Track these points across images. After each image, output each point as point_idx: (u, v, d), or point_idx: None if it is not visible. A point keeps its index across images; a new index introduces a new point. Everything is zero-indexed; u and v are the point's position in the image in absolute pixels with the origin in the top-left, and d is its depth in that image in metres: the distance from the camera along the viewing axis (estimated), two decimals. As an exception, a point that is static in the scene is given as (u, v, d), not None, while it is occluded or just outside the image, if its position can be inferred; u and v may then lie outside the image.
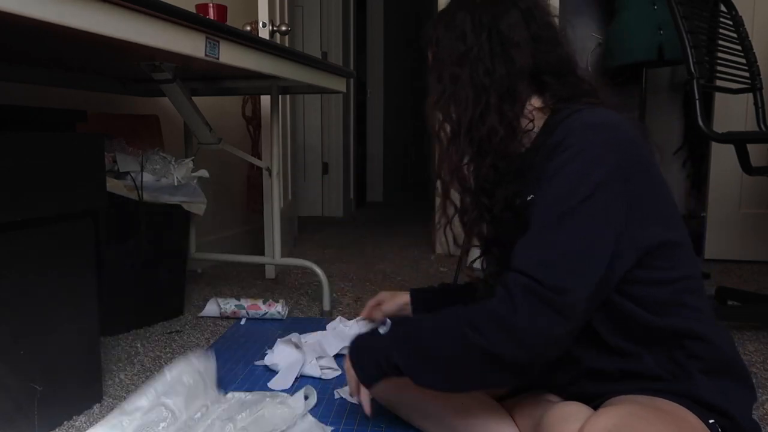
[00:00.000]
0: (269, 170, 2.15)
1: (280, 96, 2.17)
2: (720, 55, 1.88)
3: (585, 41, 3.53)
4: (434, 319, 0.86)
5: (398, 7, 5.65)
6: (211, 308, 1.84)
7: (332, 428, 1.11)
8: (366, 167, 5.45)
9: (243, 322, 1.79)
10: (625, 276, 0.83)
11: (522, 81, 0.91)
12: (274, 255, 2.11)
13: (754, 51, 1.96)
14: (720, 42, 1.89)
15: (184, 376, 1.14)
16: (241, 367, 1.42)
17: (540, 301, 0.76)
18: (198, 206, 1.84)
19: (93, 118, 1.76)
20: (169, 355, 1.52)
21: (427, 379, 0.87)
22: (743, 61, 1.94)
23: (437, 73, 0.96)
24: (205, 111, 1.86)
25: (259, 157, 2.60)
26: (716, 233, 2.74)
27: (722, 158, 2.66)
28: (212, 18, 1.72)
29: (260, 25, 2.19)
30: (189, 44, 1.22)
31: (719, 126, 2.35)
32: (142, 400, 1.10)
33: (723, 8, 1.96)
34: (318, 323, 1.74)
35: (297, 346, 1.42)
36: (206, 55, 1.28)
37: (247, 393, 1.22)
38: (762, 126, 1.96)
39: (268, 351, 1.43)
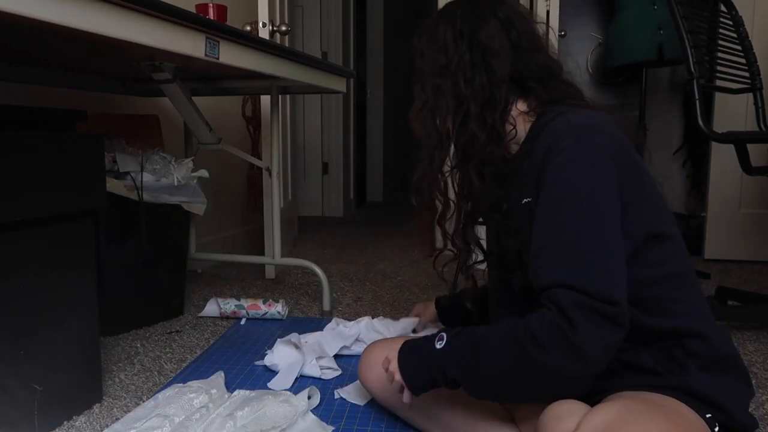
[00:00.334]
0: (269, 170, 2.15)
1: (280, 96, 2.17)
2: (720, 55, 1.88)
3: (585, 41, 3.53)
4: (492, 333, 0.84)
5: (398, 7, 5.65)
6: (211, 308, 1.84)
7: (332, 428, 1.11)
8: (366, 167, 5.45)
9: (243, 322, 1.79)
10: None
11: (502, 89, 0.93)
12: (274, 255, 2.11)
13: (754, 51, 1.96)
14: (720, 42, 1.89)
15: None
16: (241, 367, 1.42)
17: (597, 315, 0.75)
18: (198, 206, 1.84)
19: (93, 118, 1.76)
20: (169, 355, 1.52)
21: (484, 393, 0.87)
22: (743, 61, 1.94)
23: (421, 84, 0.99)
24: (205, 111, 1.86)
25: (259, 157, 2.60)
26: (716, 233, 2.74)
27: (722, 158, 2.66)
28: (212, 18, 1.72)
29: (260, 25, 2.19)
30: (189, 44, 1.22)
31: (719, 126, 2.35)
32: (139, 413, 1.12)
33: (723, 8, 1.96)
34: (318, 323, 1.75)
35: (296, 347, 1.42)
36: (206, 55, 1.28)
37: (251, 391, 1.22)
38: (762, 126, 1.96)
39: (268, 351, 1.43)
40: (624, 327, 0.77)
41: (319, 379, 1.34)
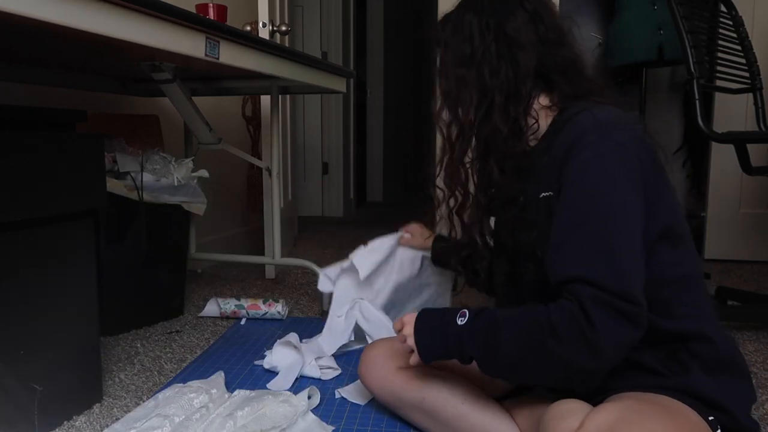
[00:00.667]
0: (269, 170, 2.15)
1: (280, 96, 2.17)
2: (720, 55, 1.88)
3: (585, 41, 3.53)
4: (514, 318, 0.84)
5: (398, 7, 5.65)
6: (211, 308, 1.84)
7: (332, 428, 1.11)
8: (366, 167, 5.44)
9: (243, 322, 1.79)
10: None
11: (527, 82, 0.92)
12: (274, 255, 2.11)
13: (754, 51, 1.96)
14: (720, 42, 1.89)
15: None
16: (241, 367, 1.42)
17: (615, 312, 0.75)
18: (198, 206, 1.84)
19: (93, 118, 1.76)
20: (169, 355, 1.52)
21: (498, 373, 0.88)
22: (743, 61, 1.94)
23: (444, 74, 0.98)
24: (205, 111, 1.86)
25: (259, 157, 2.60)
26: (716, 233, 2.74)
27: (722, 158, 2.66)
28: (212, 18, 1.72)
29: (260, 25, 2.19)
30: (189, 44, 1.22)
31: (719, 126, 2.35)
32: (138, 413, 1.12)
33: (723, 8, 1.96)
34: (318, 323, 1.75)
35: (295, 347, 1.41)
36: (206, 55, 1.28)
37: (251, 391, 1.22)
38: (762, 126, 1.96)
39: (267, 353, 1.43)
40: (641, 326, 0.77)
41: (319, 379, 1.34)
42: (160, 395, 1.18)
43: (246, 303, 1.81)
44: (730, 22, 1.95)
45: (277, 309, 1.79)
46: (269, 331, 1.69)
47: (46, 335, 1.08)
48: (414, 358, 0.96)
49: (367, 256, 1.48)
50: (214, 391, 1.19)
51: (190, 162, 1.83)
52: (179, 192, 1.77)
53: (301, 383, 1.32)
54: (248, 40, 1.46)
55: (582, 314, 0.76)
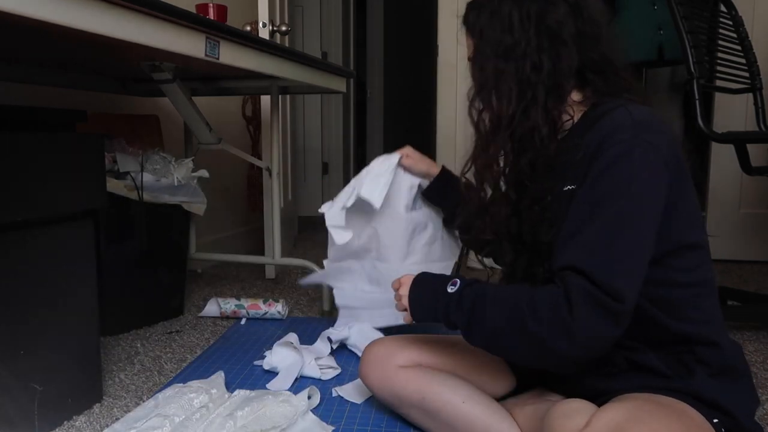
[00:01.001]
0: (269, 170, 2.15)
1: (280, 96, 2.17)
2: (720, 55, 1.88)
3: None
4: (501, 293, 0.87)
5: (398, 7, 5.65)
6: (211, 308, 1.84)
7: (332, 428, 1.11)
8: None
9: (243, 322, 1.79)
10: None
11: (569, 78, 0.89)
12: (274, 255, 2.11)
13: (754, 51, 1.96)
14: (720, 42, 1.89)
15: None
16: (241, 367, 1.42)
17: (598, 306, 0.76)
18: (198, 206, 1.84)
19: (93, 118, 1.76)
20: (169, 355, 1.52)
21: (478, 343, 0.90)
22: (743, 61, 1.94)
23: (480, 65, 0.94)
24: (205, 111, 1.86)
25: (259, 157, 2.60)
26: (716, 233, 2.74)
27: (722, 158, 2.66)
28: (212, 18, 1.72)
29: (260, 25, 2.19)
30: (189, 44, 1.22)
31: (719, 126, 2.35)
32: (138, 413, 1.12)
33: (723, 8, 1.96)
34: (318, 323, 1.75)
35: (295, 348, 1.41)
36: (206, 55, 1.28)
37: (251, 391, 1.22)
38: (762, 126, 1.96)
39: (267, 353, 1.43)
40: (621, 327, 0.78)
41: (319, 379, 1.34)
42: (160, 395, 1.18)
43: (246, 303, 1.81)
44: (730, 22, 1.95)
45: (277, 309, 1.79)
46: (269, 331, 1.69)
47: (46, 335, 1.08)
48: (407, 317, 1.01)
49: (373, 183, 1.36)
50: (214, 391, 1.19)
51: (190, 162, 1.83)
52: (179, 192, 1.77)
53: (301, 383, 1.32)
54: (248, 40, 1.46)
55: (566, 301, 0.77)
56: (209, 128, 1.85)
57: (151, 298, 1.76)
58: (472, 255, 2.19)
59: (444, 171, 1.38)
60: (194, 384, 1.22)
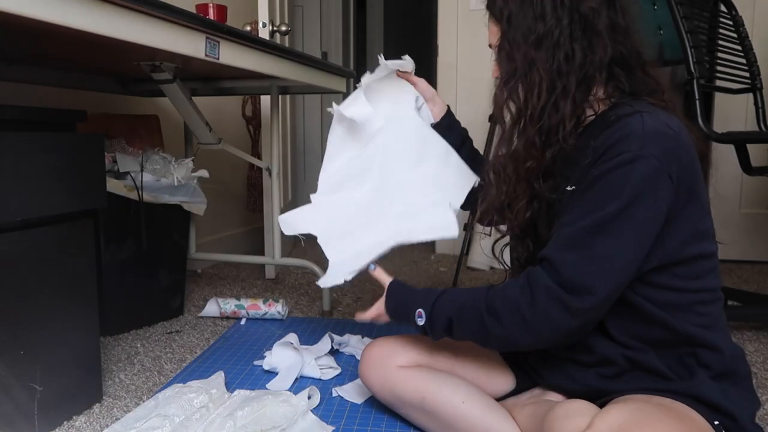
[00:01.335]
0: (269, 170, 2.15)
1: (280, 96, 2.17)
2: (720, 55, 1.88)
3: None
4: (465, 314, 0.92)
5: (398, 7, 5.65)
6: (211, 308, 1.84)
7: (332, 428, 1.11)
8: (366, 167, 5.44)
9: (243, 322, 1.79)
10: (644, 278, 0.84)
11: (601, 71, 0.86)
12: (274, 255, 2.11)
13: (754, 51, 1.96)
14: (720, 42, 1.89)
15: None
16: (241, 367, 1.42)
17: (555, 299, 0.80)
18: (198, 206, 1.84)
19: (93, 118, 1.76)
20: (169, 355, 1.52)
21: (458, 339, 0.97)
22: (743, 61, 1.94)
23: (507, 53, 0.90)
24: (205, 111, 1.86)
25: (259, 157, 2.60)
26: (716, 233, 2.73)
27: (722, 158, 2.66)
28: (212, 18, 1.72)
29: (260, 25, 2.19)
30: (189, 44, 1.22)
31: (719, 126, 2.35)
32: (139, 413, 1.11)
33: (723, 8, 1.96)
34: (318, 323, 1.75)
35: (295, 348, 1.41)
36: (206, 55, 1.28)
37: (251, 391, 1.22)
38: (762, 126, 1.96)
39: (267, 354, 1.43)
40: (579, 319, 0.81)
41: (319, 379, 1.34)
42: (160, 395, 1.18)
43: (246, 303, 1.81)
44: (730, 22, 1.95)
45: (277, 309, 1.79)
46: (269, 331, 1.69)
47: (46, 335, 1.08)
48: (378, 316, 1.10)
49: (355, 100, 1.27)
50: (214, 391, 1.19)
51: (190, 162, 1.83)
52: (179, 192, 1.77)
53: (301, 383, 1.32)
54: (248, 40, 1.46)
55: (528, 291, 0.82)
56: (209, 128, 1.85)
57: (151, 298, 1.76)
58: (472, 255, 2.20)
59: (449, 112, 1.29)
60: (194, 384, 1.22)
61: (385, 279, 1.12)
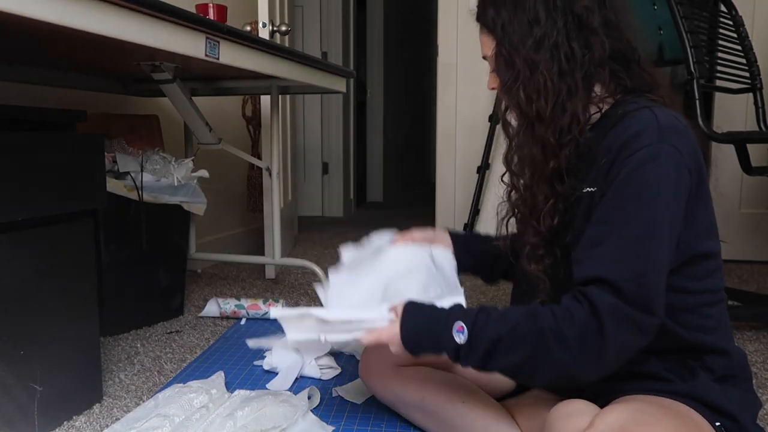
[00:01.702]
0: (269, 170, 2.15)
1: (280, 96, 2.17)
2: (720, 55, 1.88)
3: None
4: (519, 331, 0.80)
5: (398, 7, 5.65)
6: (211, 308, 1.84)
7: (332, 428, 1.11)
8: (366, 167, 5.45)
9: (243, 322, 1.79)
10: None
11: (602, 66, 0.86)
12: (274, 255, 2.11)
13: (754, 51, 1.96)
14: (720, 42, 1.89)
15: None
16: (241, 367, 1.42)
17: (628, 323, 0.75)
18: (198, 206, 1.84)
19: (93, 118, 1.76)
20: (169, 355, 1.52)
21: (497, 373, 0.84)
22: (743, 61, 1.94)
23: (506, 60, 0.89)
24: (205, 111, 1.86)
25: (259, 157, 2.60)
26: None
27: (722, 158, 2.66)
28: (212, 18, 1.72)
29: (260, 25, 2.19)
30: (189, 44, 1.22)
31: (719, 126, 2.34)
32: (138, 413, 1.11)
33: (723, 8, 1.96)
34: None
35: (295, 348, 1.41)
36: (206, 55, 1.28)
37: (251, 391, 1.22)
38: (762, 126, 1.96)
39: (267, 354, 1.43)
40: (650, 338, 0.77)
41: (319, 379, 1.34)
42: (160, 395, 1.18)
43: (246, 303, 1.81)
44: (730, 22, 1.95)
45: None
46: (269, 332, 1.69)
47: (46, 335, 1.08)
48: (380, 338, 0.89)
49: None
50: (214, 391, 1.19)
51: (190, 162, 1.83)
52: (179, 192, 1.77)
53: (301, 383, 1.32)
54: (248, 40, 1.46)
55: (597, 326, 0.75)
56: (209, 128, 1.85)
57: (151, 298, 1.76)
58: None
59: (452, 236, 1.19)
60: (194, 384, 1.22)
61: (392, 312, 0.92)
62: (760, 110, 1.95)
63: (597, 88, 0.89)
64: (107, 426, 1.12)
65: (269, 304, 1.80)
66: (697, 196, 0.82)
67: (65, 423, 1.13)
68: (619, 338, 0.76)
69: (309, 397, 1.20)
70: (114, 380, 1.35)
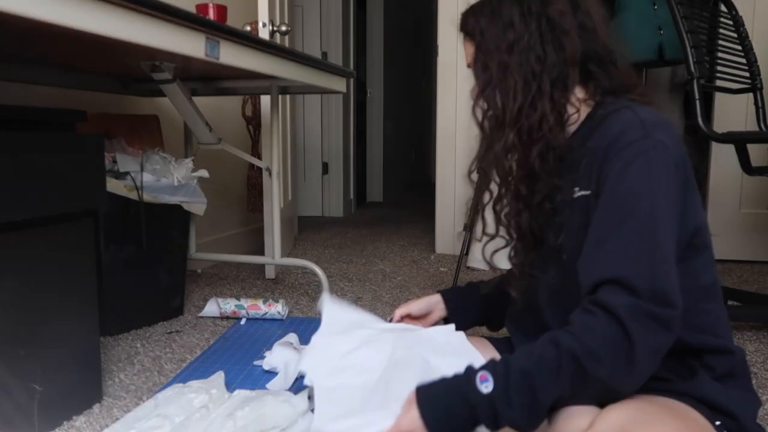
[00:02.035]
0: (269, 170, 2.15)
1: (280, 96, 2.17)
2: (720, 55, 1.88)
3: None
4: (541, 359, 0.76)
5: (398, 7, 5.65)
6: (211, 308, 1.84)
7: (332, 428, 1.11)
8: (366, 167, 5.45)
9: (243, 322, 1.79)
10: None
11: (573, 68, 0.88)
12: (274, 255, 2.11)
13: (754, 51, 1.96)
14: (720, 42, 1.89)
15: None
16: (241, 367, 1.42)
17: (651, 321, 0.73)
18: (198, 206, 1.84)
19: (93, 118, 1.76)
20: (169, 355, 1.52)
21: (538, 421, 0.77)
22: (743, 61, 1.94)
23: (482, 64, 0.93)
24: (205, 111, 1.86)
25: (259, 157, 2.60)
26: (716, 233, 2.73)
27: (722, 158, 2.66)
28: (212, 18, 1.72)
29: (260, 25, 2.19)
30: (189, 44, 1.22)
31: (719, 126, 2.35)
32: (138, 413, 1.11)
33: (723, 8, 1.96)
34: (318, 323, 1.75)
35: (295, 348, 1.41)
36: (206, 55, 1.28)
37: (251, 391, 1.22)
38: (762, 126, 1.96)
39: (267, 354, 1.43)
40: (675, 332, 0.75)
41: (319, 379, 1.34)
42: (160, 395, 1.18)
43: (246, 303, 1.81)
44: (730, 22, 1.96)
45: (277, 309, 1.79)
46: (269, 332, 1.69)
47: (46, 335, 1.08)
48: None
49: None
50: (214, 391, 1.19)
51: (190, 162, 1.83)
52: (179, 192, 1.77)
53: (300, 383, 1.31)
54: (248, 40, 1.46)
55: (620, 330, 0.73)
56: (209, 128, 1.85)
57: (151, 298, 1.76)
58: (472, 255, 2.18)
59: (444, 295, 1.19)
60: (194, 384, 1.22)
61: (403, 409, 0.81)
62: (760, 110, 1.95)
63: (577, 91, 0.91)
64: (107, 426, 1.12)
65: (269, 304, 1.80)
66: (685, 189, 0.83)
67: (65, 423, 1.13)
68: (646, 338, 0.73)
69: (309, 398, 1.20)
70: (114, 380, 1.35)
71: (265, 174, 2.32)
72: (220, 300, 1.84)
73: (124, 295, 1.68)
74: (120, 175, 1.63)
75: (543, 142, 0.89)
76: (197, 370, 1.39)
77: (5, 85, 1.64)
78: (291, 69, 1.69)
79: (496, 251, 1.03)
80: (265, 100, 2.42)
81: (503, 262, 1.05)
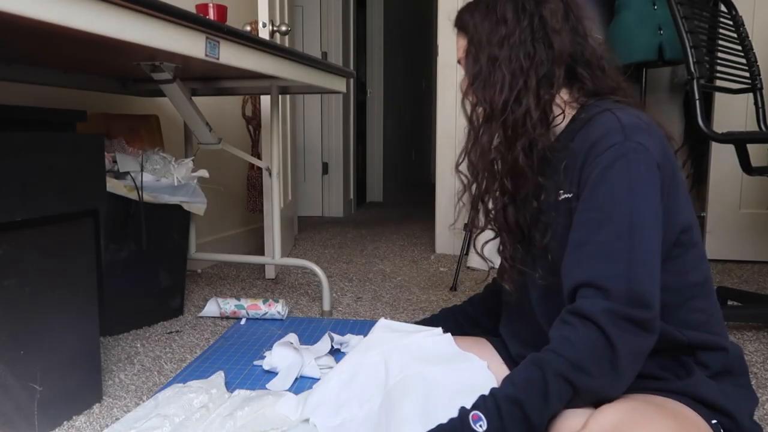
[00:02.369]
0: (269, 170, 2.15)
1: (280, 96, 2.17)
2: (720, 55, 1.88)
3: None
4: (518, 376, 0.77)
5: (398, 7, 5.65)
6: (211, 308, 1.84)
7: (332, 428, 1.11)
8: (366, 167, 5.45)
9: (243, 322, 1.79)
10: None
11: (560, 67, 0.90)
12: (274, 255, 2.11)
13: (754, 51, 1.96)
14: (720, 42, 1.89)
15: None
16: (241, 367, 1.42)
17: (629, 324, 0.74)
18: (198, 206, 1.84)
19: (93, 118, 1.76)
20: (169, 355, 1.52)
21: None
22: (743, 61, 1.94)
23: (473, 57, 0.95)
24: (205, 111, 1.86)
25: (259, 157, 2.60)
26: (716, 233, 2.74)
27: (722, 158, 2.66)
28: (212, 18, 1.72)
29: (260, 25, 2.19)
30: (189, 44, 1.22)
31: (719, 126, 2.35)
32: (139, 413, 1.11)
33: (723, 8, 1.96)
34: (318, 323, 1.75)
35: (295, 348, 1.41)
36: (206, 55, 1.28)
37: (251, 391, 1.22)
38: (762, 126, 1.96)
39: (267, 354, 1.43)
40: (655, 333, 0.77)
41: (319, 379, 1.34)
42: (160, 395, 1.18)
43: (246, 303, 1.81)
44: (730, 22, 1.95)
45: (277, 309, 1.79)
46: (269, 331, 1.69)
47: (46, 335, 1.08)
48: None
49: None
50: (214, 391, 1.19)
51: (190, 162, 1.83)
52: (179, 192, 1.77)
53: (300, 383, 1.32)
54: (248, 40, 1.46)
55: (601, 337, 0.74)
56: (209, 128, 1.85)
57: (151, 298, 1.76)
58: (472, 255, 2.18)
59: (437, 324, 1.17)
60: (194, 384, 1.22)
61: None
62: (760, 110, 1.95)
63: (563, 93, 0.93)
64: (107, 426, 1.12)
65: (269, 304, 1.80)
66: (671, 188, 0.83)
67: (65, 423, 1.13)
68: (627, 341, 0.74)
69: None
70: (114, 380, 1.35)
71: (265, 174, 2.32)
72: (220, 300, 1.84)
73: (124, 295, 1.68)
74: (120, 175, 1.63)
75: (526, 137, 0.90)
76: (197, 370, 1.39)
77: (5, 85, 1.64)
78: (291, 69, 1.69)
79: (486, 242, 1.05)
80: (265, 100, 2.42)
81: (499, 259, 1.07)
